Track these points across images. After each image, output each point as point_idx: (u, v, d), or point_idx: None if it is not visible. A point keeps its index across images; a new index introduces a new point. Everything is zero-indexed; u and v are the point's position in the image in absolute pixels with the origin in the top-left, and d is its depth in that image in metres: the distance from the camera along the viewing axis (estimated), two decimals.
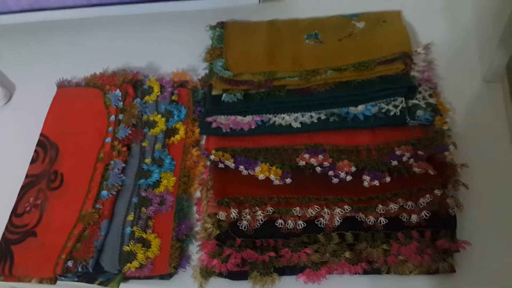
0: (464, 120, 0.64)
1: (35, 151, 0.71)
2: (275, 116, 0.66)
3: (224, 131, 0.66)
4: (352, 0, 0.78)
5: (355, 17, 0.75)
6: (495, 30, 0.62)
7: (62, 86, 0.77)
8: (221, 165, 0.63)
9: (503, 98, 0.65)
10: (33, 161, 0.70)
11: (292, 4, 0.81)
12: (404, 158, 0.59)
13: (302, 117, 0.65)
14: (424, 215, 0.55)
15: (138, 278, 0.59)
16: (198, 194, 0.65)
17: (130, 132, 0.68)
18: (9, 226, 0.65)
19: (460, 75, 0.68)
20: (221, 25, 0.77)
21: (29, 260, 0.61)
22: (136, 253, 0.59)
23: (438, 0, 0.76)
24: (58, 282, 0.60)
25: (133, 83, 0.74)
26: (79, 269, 0.58)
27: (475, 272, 0.54)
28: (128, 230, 0.61)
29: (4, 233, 0.64)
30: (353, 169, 0.60)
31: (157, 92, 0.72)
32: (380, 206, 0.56)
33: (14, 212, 0.66)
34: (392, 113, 0.62)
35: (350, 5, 0.77)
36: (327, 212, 0.57)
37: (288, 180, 0.60)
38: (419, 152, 0.59)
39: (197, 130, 0.69)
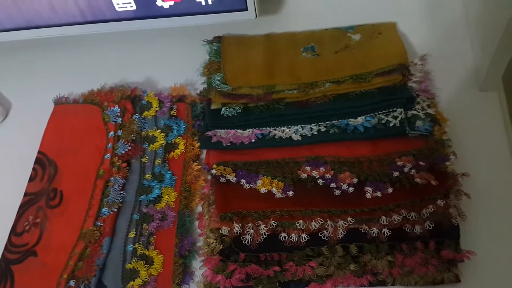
0: (461, 129, 0.64)
1: (33, 169, 0.70)
2: (275, 129, 0.66)
3: (224, 145, 0.65)
4: (347, 12, 0.79)
5: (350, 30, 0.75)
6: (490, 40, 0.63)
7: (59, 103, 0.76)
8: (222, 180, 0.63)
9: (500, 106, 0.66)
10: (31, 179, 0.69)
11: (288, 17, 0.81)
12: (406, 169, 0.59)
13: (302, 129, 0.65)
14: (427, 226, 0.55)
15: None
16: (199, 209, 0.64)
17: (129, 148, 0.68)
18: (8, 246, 0.64)
19: (455, 85, 0.69)
20: (218, 39, 0.77)
21: (30, 280, 0.60)
22: (139, 270, 0.58)
23: (433, 11, 0.77)
24: None
25: (132, 99, 0.74)
26: None
27: (480, 281, 0.54)
28: (130, 247, 0.60)
29: (3, 253, 0.63)
30: (355, 180, 0.60)
31: (156, 107, 0.72)
32: (383, 217, 0.56)
33: (13, 231, 0.65)
34: (391, 124, 0.62)
35: (345, 18, 0.77)
36: (331, 224, 0.57)
37: (290, 193, 0.61)
38: (420, 163, 0.59)
39: (197, 145, 0.69)
